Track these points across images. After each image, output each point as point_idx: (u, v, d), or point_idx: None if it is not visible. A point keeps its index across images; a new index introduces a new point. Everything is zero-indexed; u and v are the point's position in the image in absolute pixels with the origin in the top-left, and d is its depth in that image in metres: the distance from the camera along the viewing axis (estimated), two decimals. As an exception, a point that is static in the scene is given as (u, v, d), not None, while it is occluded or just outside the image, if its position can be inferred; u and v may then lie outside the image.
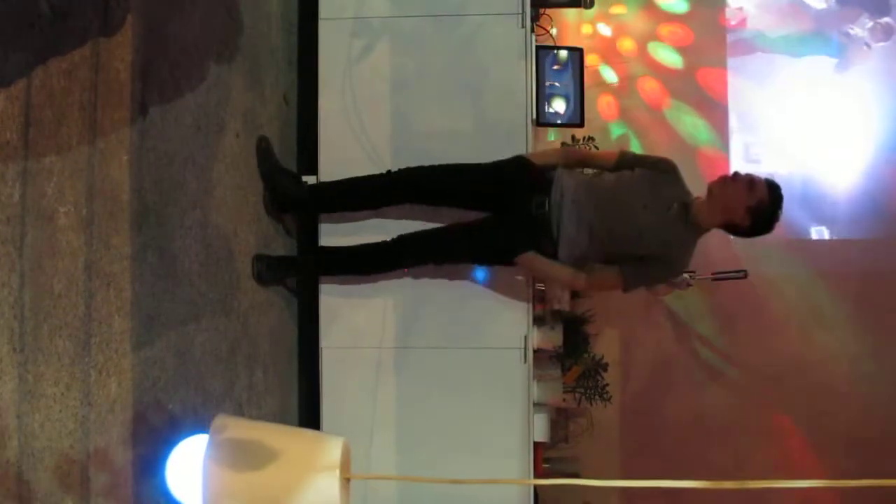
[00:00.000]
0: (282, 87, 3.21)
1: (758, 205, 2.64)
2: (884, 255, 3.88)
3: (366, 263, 2.98)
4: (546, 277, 2.90)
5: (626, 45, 4.04)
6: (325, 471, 1.32)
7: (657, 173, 2.79)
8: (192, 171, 2.42)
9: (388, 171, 2.95)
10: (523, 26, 3.08)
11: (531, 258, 2.78)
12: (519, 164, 2.87)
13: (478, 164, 2.88)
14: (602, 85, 3.97)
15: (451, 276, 3.06)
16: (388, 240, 2.92)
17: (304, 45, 3.34)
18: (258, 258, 2.87)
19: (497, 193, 2.84)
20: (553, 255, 2.77)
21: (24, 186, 1.67)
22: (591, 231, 2.71)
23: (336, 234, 3.07)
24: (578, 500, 3.54)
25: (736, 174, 2.69)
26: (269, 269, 2.91)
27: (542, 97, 3.17)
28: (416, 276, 3.06)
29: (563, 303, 3.23)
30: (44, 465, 1.71)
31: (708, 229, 2.76)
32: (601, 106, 3.97)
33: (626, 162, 2.85)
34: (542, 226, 2.74)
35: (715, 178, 2.75)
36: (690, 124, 3.95)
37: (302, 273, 3.15)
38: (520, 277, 3.02)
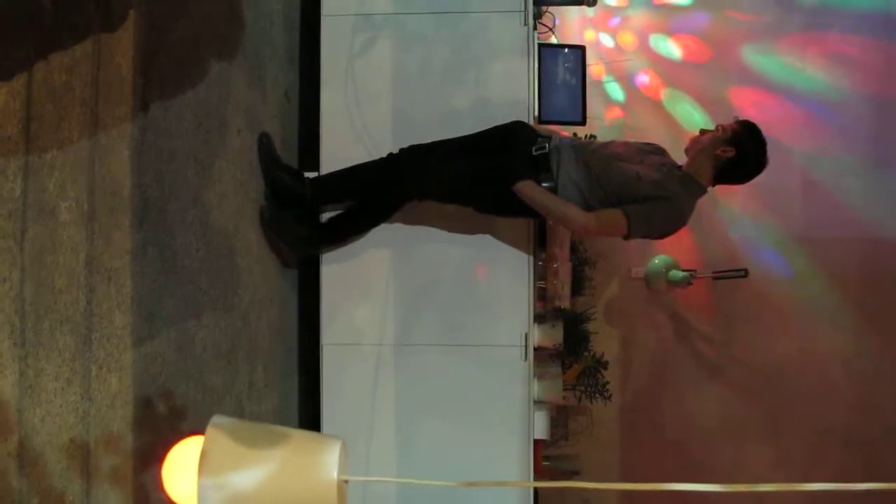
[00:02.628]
0: (283, 84, 3.21)
1: (732, 134, 2.77)
2: (883, 254, 3.88)
3: (361, 181, 2.94)
4: (547, 210, 2.78)
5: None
6: (322, 473, 1.32)
7: (646, 147, 2.90)
8: (194, 167, 2.42)
9: (389, 154, 2.96)
10: (525, 24, 3.08)
11: (532, 186, 2.77)
12: (518, 122, 2.97)
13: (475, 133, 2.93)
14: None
15: (453, 273, 3.07)
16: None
17: (306, 41, 3.34)
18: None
19: (499, 145, 2.87)
20: (553, 193, 2.80)
21: (26, 181, 1.67)
22: (589, 170, 2.76)
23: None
24: (578, 498, 3.55)
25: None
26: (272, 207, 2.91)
27: (544, 95, 3.17)
28: (417, 269, 3.06)
29: (563, 300, 3.23)
30: (44, 459, 1.72)
31: (704, 186, 2.81)
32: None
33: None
34: (542, 163, 2.80)
35: None
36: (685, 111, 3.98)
37: (298, 200, 2.99)
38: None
